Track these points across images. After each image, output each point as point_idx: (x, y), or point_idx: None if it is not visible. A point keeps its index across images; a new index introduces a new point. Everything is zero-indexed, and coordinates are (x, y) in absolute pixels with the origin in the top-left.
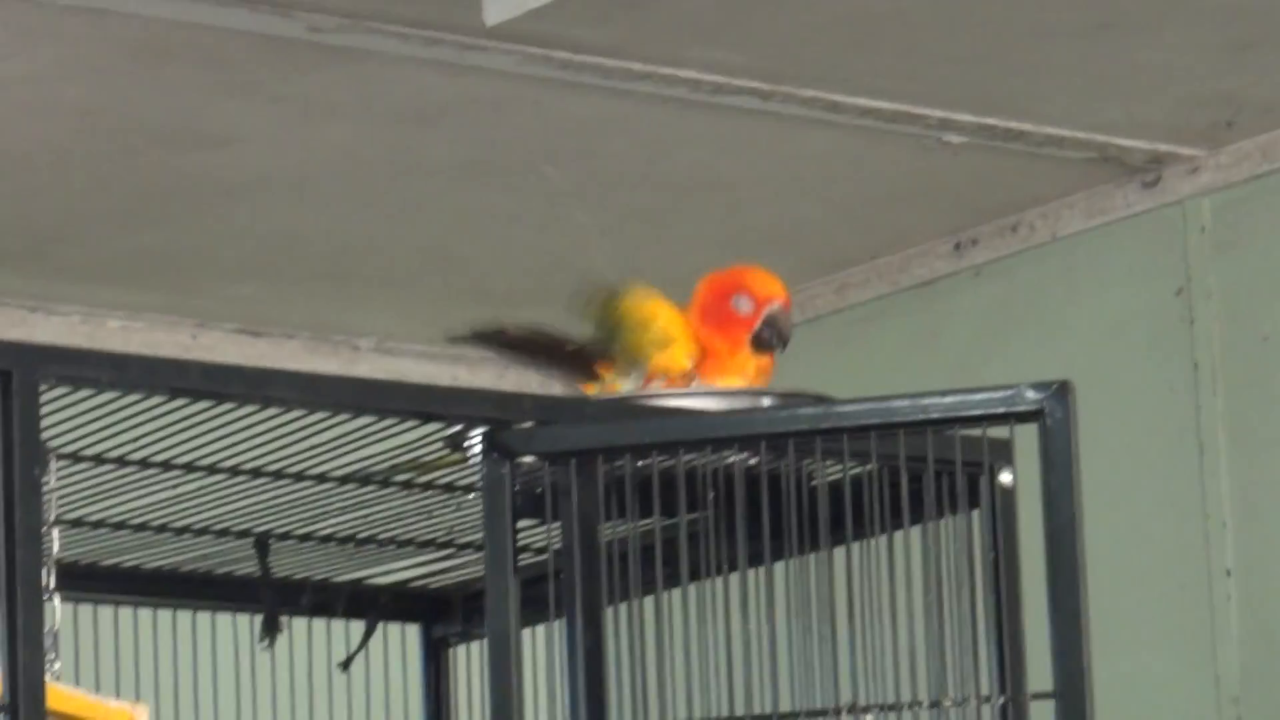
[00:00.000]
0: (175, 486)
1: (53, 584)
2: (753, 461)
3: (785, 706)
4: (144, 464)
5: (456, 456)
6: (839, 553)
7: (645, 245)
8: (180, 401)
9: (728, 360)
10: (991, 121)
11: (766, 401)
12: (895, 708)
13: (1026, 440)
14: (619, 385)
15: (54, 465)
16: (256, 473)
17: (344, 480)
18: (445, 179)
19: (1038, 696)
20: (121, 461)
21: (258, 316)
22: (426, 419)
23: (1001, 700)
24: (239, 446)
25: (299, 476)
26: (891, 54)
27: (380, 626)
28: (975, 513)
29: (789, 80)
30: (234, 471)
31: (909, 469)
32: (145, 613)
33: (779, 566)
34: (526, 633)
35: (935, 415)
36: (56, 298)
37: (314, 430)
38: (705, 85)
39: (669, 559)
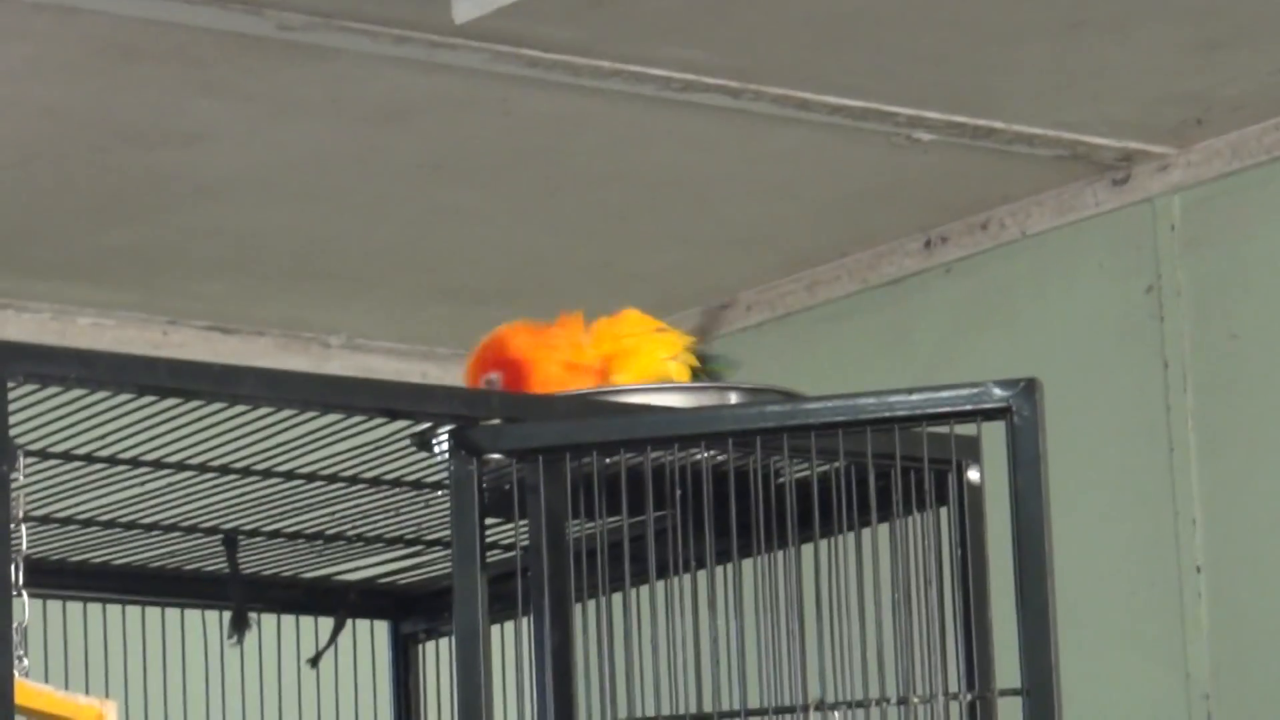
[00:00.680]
0: (144, 483)
1: (21, 580)
2: (720, 459)
3: (753, 704)
4: (112, 460)
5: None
6: (807, 550)
7: (615, 243)
8: (148, 398)
9: None
10: (961, 119)
11: (734, 398)
12: (863, 704)
13: (995, 437)
14: None
15: (22, 462)
16: (225, 469)
17: (312, 477)
18: (415, 176)
19: (1006, 693)
20: (90, 458)
21: (228, 314)
22: (394, 416)
23: (969, 697)
24: (207, 443)
25: (267, 473)
26: (861, 52)
27: (349, 623)
28: (943, 510)
29: (758, 78)
30: (202, 468)
31: (877, 466)
32: (114, 609)
33: (746, 564)
34: (495, 629)
35: (903, 413)
36: (27, 295)
37: (282, 427)
38: (675, 83)
39: (636, 556)
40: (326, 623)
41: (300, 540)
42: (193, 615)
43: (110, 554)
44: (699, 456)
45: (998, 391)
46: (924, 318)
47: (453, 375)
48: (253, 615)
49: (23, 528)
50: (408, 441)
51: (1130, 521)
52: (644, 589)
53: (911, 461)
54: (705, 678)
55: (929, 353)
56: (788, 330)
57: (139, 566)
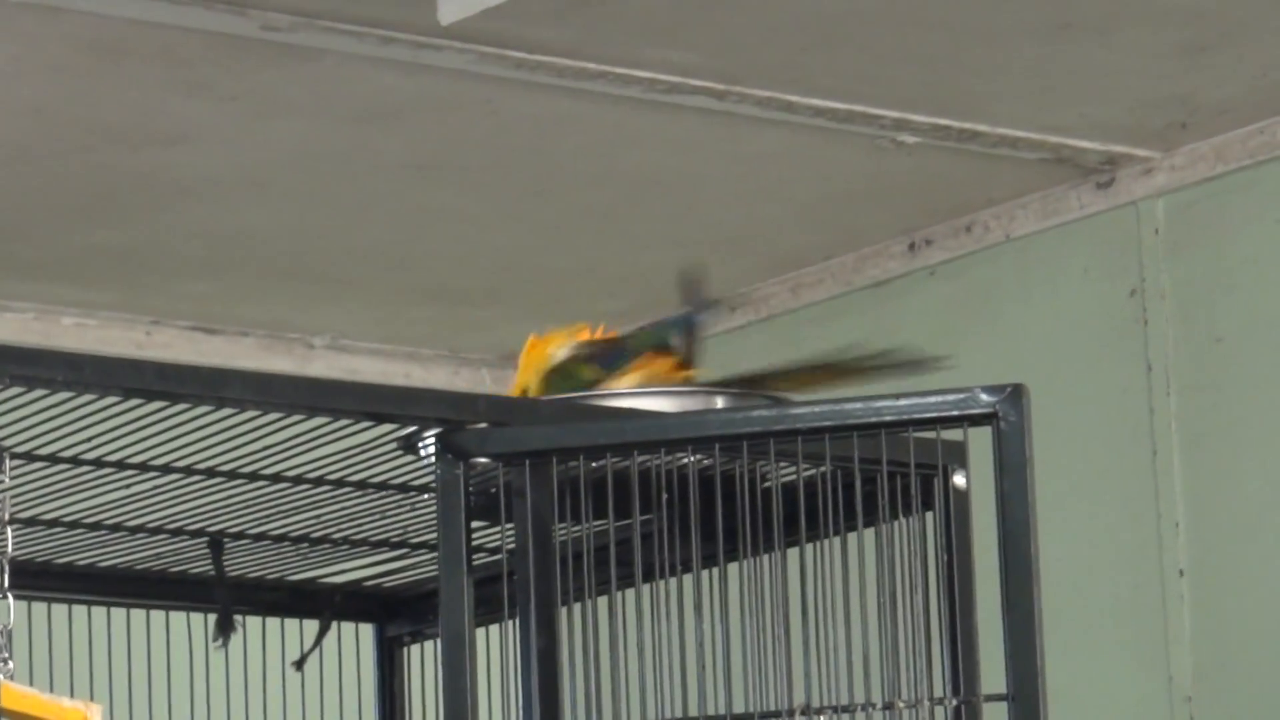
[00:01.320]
0: (129, 486)
1: (6, 583)
2: (707, 463)
3: (739, 708)
4: (98, 463)
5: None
6: (793, 554)
7: (600, 244)
8: (134, 401)
9: None
10: (946, 122)
11: (720, 402)
12: (849, 709)
13: (981, 441)
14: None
15: (8, 464)
16: (210, 472)
17: (298, 480)
18: (400, 177)
19: (991, 698)
20: (76, 461)
21: (212, 314)
22: (380, 420)
23: (955, 702)
24: (193, 446)
25: (253, 476)
26: (846, 54)
27: (334, 626)
28: (929, 515)
29: (744, 80)
30: (188, 471)
31: (863, 471)
32: (99, 612)
33: (733, 568)
34: (480, 633)
35: (889, 418)
36: (10, 295)
37: (268, 430)
38: (660, 84)
39: (623, 560)
40: (312, 625)
41: (286, 543)
42: (178, 618)
43: (96, 556)
44: (685, 461)
45: (984, 397)
46: (908, 320)
47: (437, 376)
48: (238, 617)
49: (8, 530)
50: (394, 444)
51: (1113, 525)
52: (630, 593)
53: (897, 466)
54: (691, 682)
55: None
56: (771, 332)
57: (125, 569)
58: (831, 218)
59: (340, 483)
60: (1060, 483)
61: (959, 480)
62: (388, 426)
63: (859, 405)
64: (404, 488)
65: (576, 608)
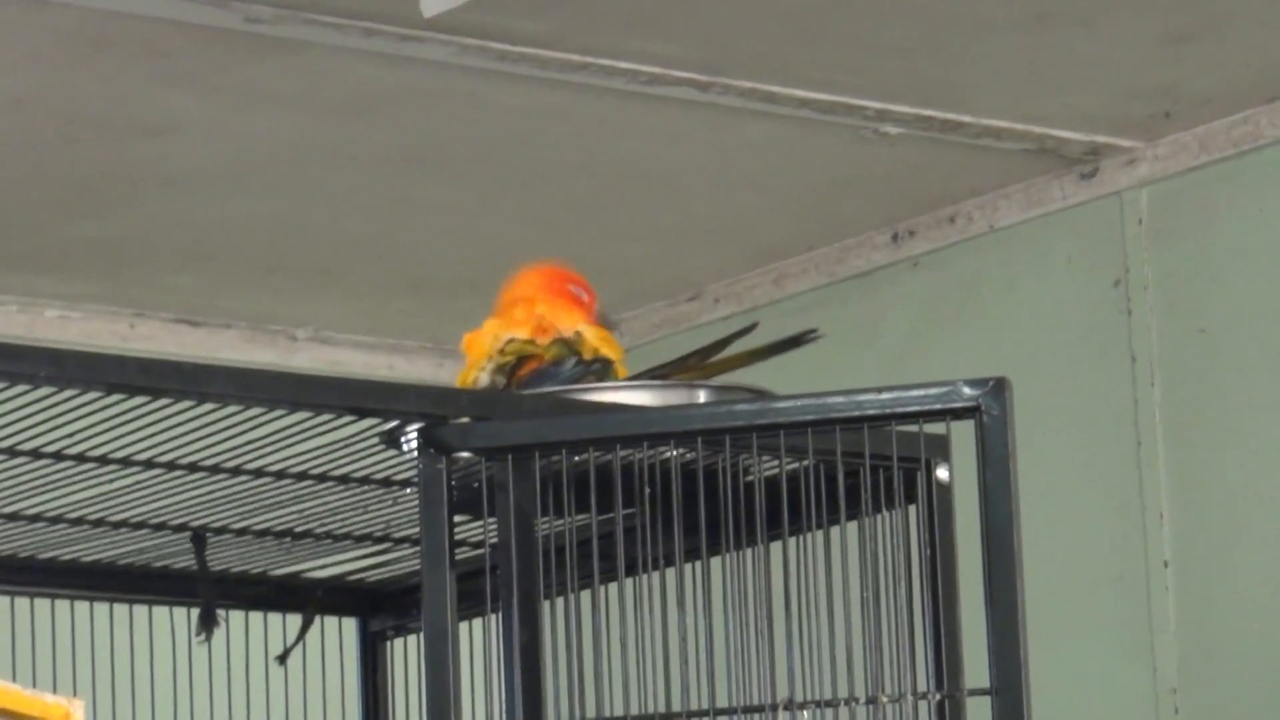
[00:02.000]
0: (112, 481)
1: None
2: (689, 457)
3: (722, 702)
4: (81, 458)
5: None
6: (775, 548)
7: (583, 235)
8: (117, 396)
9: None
10: (929, 113)
11: (703, 396)
12: (832, 704)
13: (963, 434)
14: None
15: None
16: (193, 467)
17: (280, 475)
18: (383, 169)
19: (975, 693)
20: (58, 456)
21: (195, 306)
22: (363, 414)
23: (938, 697)
24: (176, 441)
25: (236, 471)
26: (829, 45)
27: (317, 620)
28: (912, 508)
29: (726, 71)
30: (171, 466)
31: (846, 464)
32: (82, 606)
33: (715, 562)
34: (463, 627)
35: (872, 411)
36: None
37: (250, 425)
38: (642, 76)
39: (605, 554)
40: (295, 620)
41: (269, 537)
42: (161, 612)
43: (79, 551)
44: (668, 455)
45: (967, 391)
46: (892, 311)
47: (420, 368)
48: (221, 612)
49: None
50: (376, 439)
51: (1098, 516)
52: (613, 587)
53: (880, 460)
54: (674, 676)
55: (896, 346)
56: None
57: (107, 563)
58: (814, 209)
59: (323, 477)
60: (1044, 475)
61: (942, 474)
62: (370, 421)
63: (841, 399)
64: (386, 482)
65: (559, 602)
